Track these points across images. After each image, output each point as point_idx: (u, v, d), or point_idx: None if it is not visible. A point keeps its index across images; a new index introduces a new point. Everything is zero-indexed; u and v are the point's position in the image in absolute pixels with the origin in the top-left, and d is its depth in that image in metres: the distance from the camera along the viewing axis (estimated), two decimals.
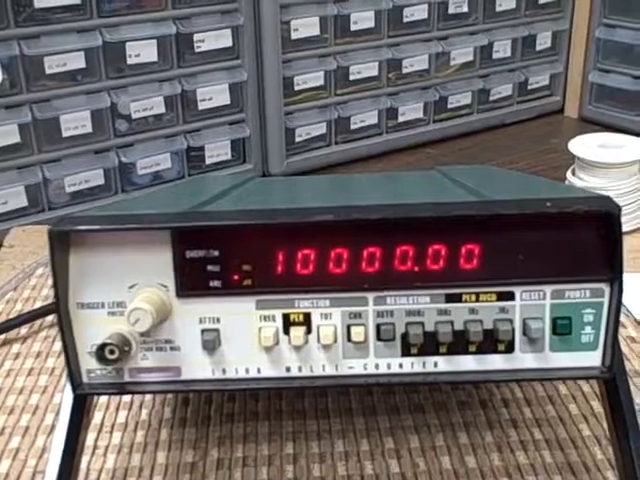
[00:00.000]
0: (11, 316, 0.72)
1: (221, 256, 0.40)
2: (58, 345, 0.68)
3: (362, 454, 0.54)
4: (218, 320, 0.41)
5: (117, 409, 0.59)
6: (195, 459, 0.54)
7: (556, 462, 0.52)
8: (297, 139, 1.31)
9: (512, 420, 0.56)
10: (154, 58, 1.12)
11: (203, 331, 0.41)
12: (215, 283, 0.41)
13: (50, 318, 0.72)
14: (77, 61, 1.06)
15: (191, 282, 0.41)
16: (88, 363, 0.42)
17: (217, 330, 0.41)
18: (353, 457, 0.53)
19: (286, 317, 0.41)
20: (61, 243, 0.40)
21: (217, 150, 1.23)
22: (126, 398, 0.60)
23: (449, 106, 1.48)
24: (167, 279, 0.41)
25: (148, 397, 0.60)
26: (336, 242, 0.40)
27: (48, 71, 1.04)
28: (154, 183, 1.17)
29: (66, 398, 0.44)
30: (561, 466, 0.52)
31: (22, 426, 0.58)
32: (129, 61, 1.11)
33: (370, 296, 0.41)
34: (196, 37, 1.16)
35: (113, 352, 0.40)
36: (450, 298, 0.41)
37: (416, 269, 0.41)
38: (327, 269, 0.41)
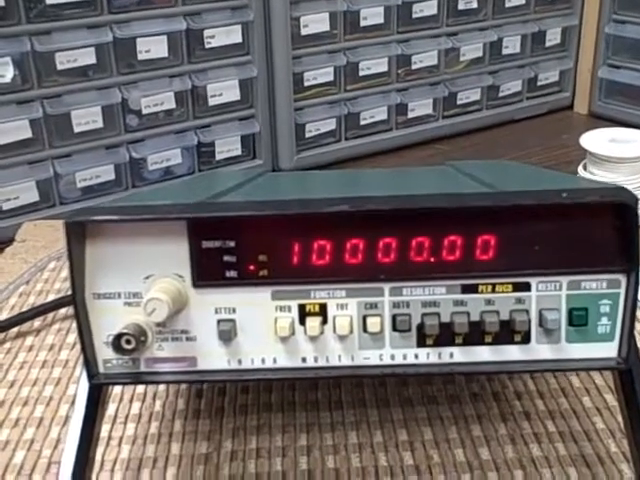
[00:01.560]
0: (24, 309, 0.72)
1: (237, 246, 0.41)
2: (71, 337, 0.68)
3: (376, 446, 0.54)
4: (234, 310, 0.42)
5: (131, 400, 0.59)
6: (209, 450, 0.54)
7: (570, 454, 0.52)
8: (307, 135, 1.31)
9: (525, 412, 0.56)
10: (165, 54, 1.13)
11: (219, 321, 0.42)
12: (231, 273, 0.41)
13: (63, 311, 0.72)
14: (88, 57, 1.06)
15: (207, 272, 0.41)
16: (104, 353, 0.42)
17: (233, 320, 0.42)
18: (367, 449, 0.53)
19: (302, 307, 0.41)
20: (77, 234, 0.41)
21: (227, 146, 1.23)
22: (140, 389, 0.60)
23: (458, 102, 1.48)
24: (183, 269, 0.41)
25: (161, 388, 0.60)
26: (352, 233, 0.40)
27: (59, 67, 1.04)
28: (165, 178, 1.18)
29: (82, 388, 0.44)
30: (575, 458, 0.52)
31: (36, 417, 0.58)
32: (140, 57, 1.11)
33: (386, 287, 0.41)
34: (206, 33, 1.16)
35: (129, 342, 0.40)
36: (466, 289, 0.41)
37: (432, 260, 0.41)
38: (343, 260, 0.41)
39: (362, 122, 1.37)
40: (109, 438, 0.55)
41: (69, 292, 0.74)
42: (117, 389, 0.60)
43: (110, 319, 0.42)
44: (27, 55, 1.01)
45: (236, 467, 0.52)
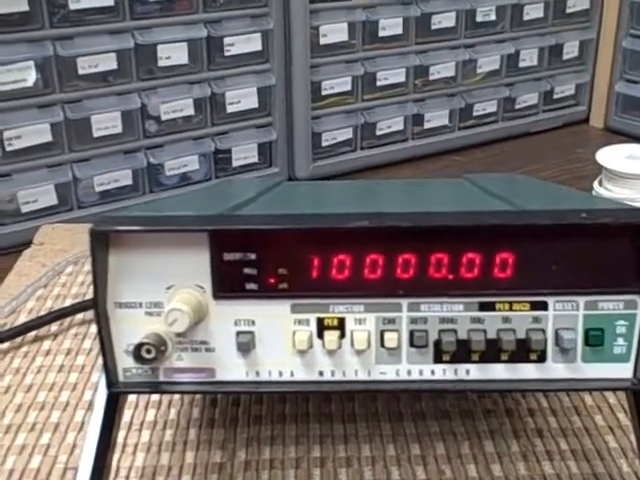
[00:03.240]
0: (42, 313, 0.73)
1: (258, 259, 0.41)
2: (88, 343, 0.69)
3: (388, 459, 0.54)
4: (253, 323, 0.42)
5: (146, 408, 0.60)
6: (223, 460, 0.54)
7: (582, 473, 0.52)
8: (323, 143, 1.32)
9: (538, 430, 0.56)
10: (185, 61, 1.13)
11: (238, 333, 0.42)
12: (251, 286, 0.41)
13: (80, 316, 0.73)
14: (109, 62, 1.07)
15: (228, 284, 0.41)
16: (124, 362, 0.43)
17: (252, 332, 0.42)
18: (380, 462, 0.54)
19: (320, 321, 0.42)
20: (101, 243, 0.41)
21: (244, 153, 1.24)
22: (155, 397, 0.61)
23: (475, 114, 1.48)
24: (204, 281, 0.42)
25: (177, 397, 0.61)
26: (371, 248, 0.41)
27: (81, 72, 1.05)
28: (182, 184, 1.18)
29: (100, 395, 0.45)
30: (587, 477, 0.52)
31: (53, 422, 0.59)
32: (160, 63, 1.11)
33: (404, 302, 0.41)
34: (226, 41, 1.16)
35: (150, 352, 0.40)
36: (484, 306, 0.41)
37: (450, 277, 0.41)
38: (362, 275, 0.41)
39: (378, 132, 1.37)
40: (124, 445, 0.56)
41: (86, 297, 0.75)
42: (133, 396, 0.60)
43: (131, 328, 0.42)
44: (49, 60, 1.02)
45: (250, 477, 0.53)
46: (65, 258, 0.86)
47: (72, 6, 1.02)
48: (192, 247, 0.41)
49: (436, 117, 1.43)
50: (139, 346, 0.40)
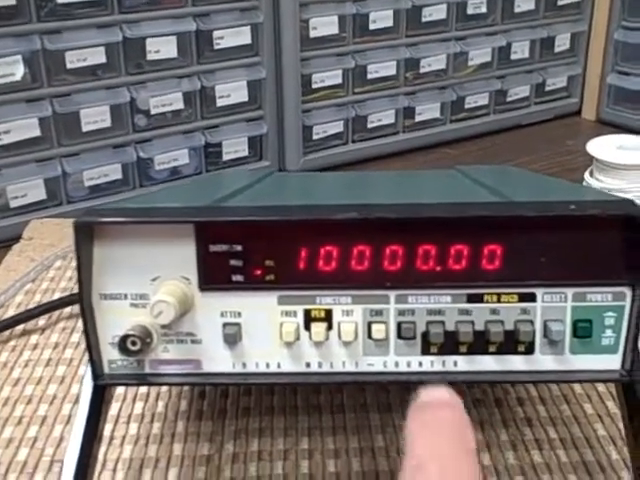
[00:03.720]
0: (30, 307, 0.73)
1: (244, 251, 0.41)
2: (76, 336, 0.69)
3: (377, 450, 0.54)
4: (239, 314, 0.42)
5: (133, 400, 0.60)
6: (211, 452, 0.54)
7: (571, 461, 0.52)
8: (314, 137, 1.31)
9: (527, 419, 0.56)
10: (174, 54, 1.13)
11: (224, 325, 0.42)
12: (238, 277, 0.41)
13: (68, 310, 0.73)
14: (98, 56, 1.06)
15: (214, 276, 0.41)
16: (110, 354, 0.42)
17: (238, 324, 0.42)
18: (368, 453, 0.54)
19: (307, 313, 0.41)
20: (86, 234, 0.41)
21: (234, 147, 1.23)
22: (142, 390, 0.61)
23: (466, 106, 1.48)
24: (190, 272, 0.41)
25: (164, 389, 0.60)
26: (359, 240, 0.40)
27: (69, 66, 1.04)
28: (172, 178, 1.18)
29: (86, 388, 0.44)
30: (576, 465, 0.52)
31: (40, 415, 0.58)
32: (149, 57, 1.11)
33: (392, 294, 0.41)
34: (215, 34, 1.16)
35: (135, 343, 0.40)
36: (471, 298, 0.41)
37: (438, 268, 0.41)
38: (349, 266, 0.41)
39: (369, 125, 1.37)
40: (111, 438, 0.56)
41: (74, 291, 0.75)
42: (120, 389, 0.60)
43: (116, 320, 0.42)
44: (37, 54, 1.01)
45: (237, 469, 0.53)
46: (54, 253, 0.85)
47: (59, 0, 1.01)
48: (178, 239, 0.41)
49: (427, 110, 1.43)
50: (124, 338, 0.40)
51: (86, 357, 0.42)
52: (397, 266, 0.41)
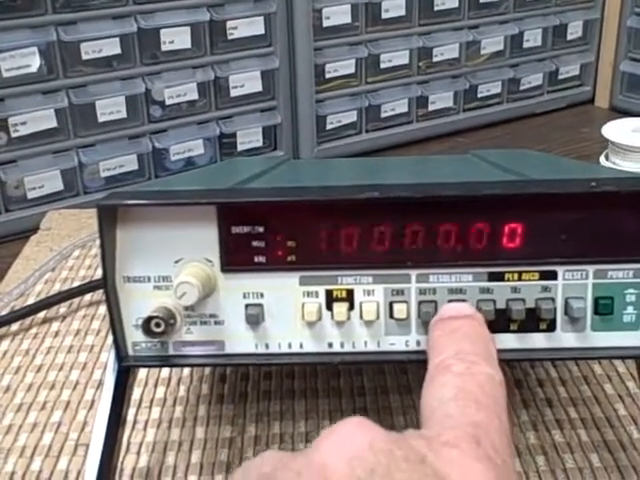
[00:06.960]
0: (50, 295, 0.73)
1: (266, 232, 0.41)
2: (96, 324, 0.69)
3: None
4: (262, 295, 0.42)
5: (155, 385, 0.60)
6: (233, 434, 0.55)
7: (592, 440, 0.52)
8: (328, 126, 1.31)
9: (547, 399, 0.57)
10: (188, 45, 1.13)
11: (247, 306, 0.42)
12: (260, 259, 0.41)
13: (88, 297, 0.73)
14: (113, 47, 1.06)
15: (236, 257, 0.41)
16: (134, 336, 0.43)
17: (261, 305, 0.42)
18: None
19: (329, 293, 0.42)
20: (109, 217, 0.41)
21: (249, 137, 1.24)
22: (164, 375, 0.61)
23: (479, 95, 1.47)
24: (212, 254, 0.42)
25: (186, 373, 0.61)
26: (380, 219, 0.41)
27: (84, 57, 1.05)
28: (187, 169, 1.18)
29: (110, 371, 0.45)
30: (597, 444, 0.52)
31: (63, 400, 0.59)
32: (163, 48, 1.11)
33: (413, 273, 0.41)
34: (229, 24, 1.16)
35: (159, 325, 0.40)
36: (493, 277, 0.41)
37: (459, 247, 0.41)
38: (370, 246, 0.41)
39: (383, 114, 1.37)
40: (134, 422, 0.56)
41: (94, 279, 0.75)
42: (142, 374, 0.61)
43: (140, 302, 0.42)
44: (53, 45, 1.02)
45: (260, 451, 0.53)
46: (72, 242, 0.86)
47: None
48: (200, 221, 0.41)
49: (440, 99, 1.42)
50: (148, 320, 0.40)
51: (108, 343, 0.43)
52: (418, 245, 0.41)
